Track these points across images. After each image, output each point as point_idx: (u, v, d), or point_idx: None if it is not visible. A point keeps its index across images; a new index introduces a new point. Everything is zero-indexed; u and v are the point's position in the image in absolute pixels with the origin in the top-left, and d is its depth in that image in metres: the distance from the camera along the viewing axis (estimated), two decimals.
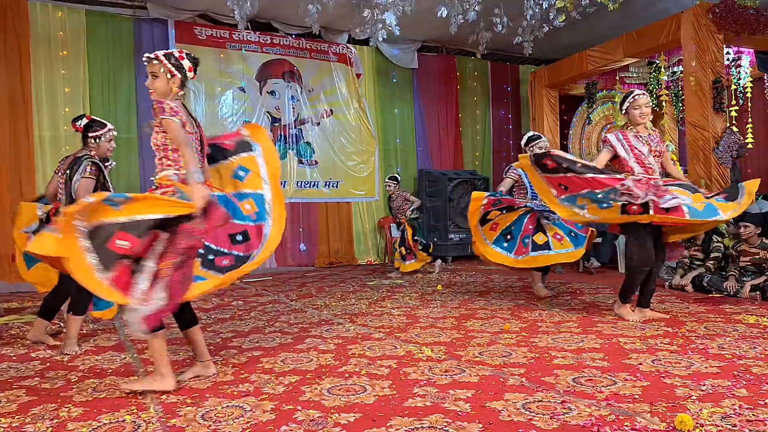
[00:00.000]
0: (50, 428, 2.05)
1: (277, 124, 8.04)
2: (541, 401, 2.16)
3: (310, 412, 2.12)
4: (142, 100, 7.15)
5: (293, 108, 8.14)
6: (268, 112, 8.00)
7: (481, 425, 1.94)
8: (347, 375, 2.62)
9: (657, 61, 7.98)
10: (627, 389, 2.26)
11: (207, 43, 7.55)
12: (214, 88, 7.62)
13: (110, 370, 2.86)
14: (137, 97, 7.14)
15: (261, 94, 7.95)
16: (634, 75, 8.47)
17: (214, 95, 7.63)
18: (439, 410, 2.09)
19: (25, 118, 6.52)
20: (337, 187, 8.40)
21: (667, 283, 5.01)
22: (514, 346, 3.06)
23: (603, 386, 2.31)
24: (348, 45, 8.42)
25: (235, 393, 2.42)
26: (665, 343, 2.99)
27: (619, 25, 7.54)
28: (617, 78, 8.62)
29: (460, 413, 2.06)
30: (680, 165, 8.16)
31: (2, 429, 2.05)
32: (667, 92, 8.29)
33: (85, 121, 3.59)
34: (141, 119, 7.16)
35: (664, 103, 7.96)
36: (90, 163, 3.39)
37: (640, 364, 2.62)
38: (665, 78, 8.07)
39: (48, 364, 3.03)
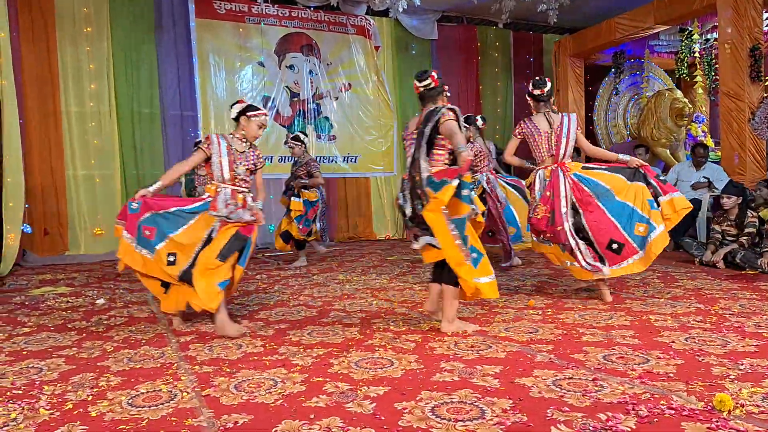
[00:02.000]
0: (90, 396, 2.13)
1: (295, 98, 8.00)
2: (571, 378, 2.16)
3: (339, 385, 2.16)
4: (163, 74, 7.17)
5: (311, 82, 8.08)
6: (286, 86, 7.96)
7: (511, 401, 1.95)
8: (374, 348, 2.65)
9: (689, 28, 7.70)
10: (660, 367, 2.25)
11: (226, 18, 7.50)
12: (233, 63, 7.59)
13: (143, 341, 2.94)
14: (159, 73, 7.15)
15: (280, 68, 7.90)
16: (665, 43, 8.20)
17: (233, 70, 7.60)
18: (468, 385, 2.11)
19: (53, 94, 6.60)
20: (355, 161, 8.38)
21: (698, 260, 4.92)
22: (540, 323, 3.06)
23: (635, 364, 2.30)
24: (366, 17, 8.28)
25: (268, 363, 2.47)
26: (698, 321, 2.96)
27: None
28: (647, 46, 8.36)
29: (489, 389, 2.07)
30: (711, 137, 7.98)
31: (46, 396, 2.13)
32: (700, 60, 8.03)
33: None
34: (163, 93, 7.18)
35: (698, 72, 7.71)
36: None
37: (673, 342, 2.59)
38: (697, 46, 7.79)
39: (84, 334, 3.12)
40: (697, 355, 2.37)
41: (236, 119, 3.28)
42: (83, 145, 6.79)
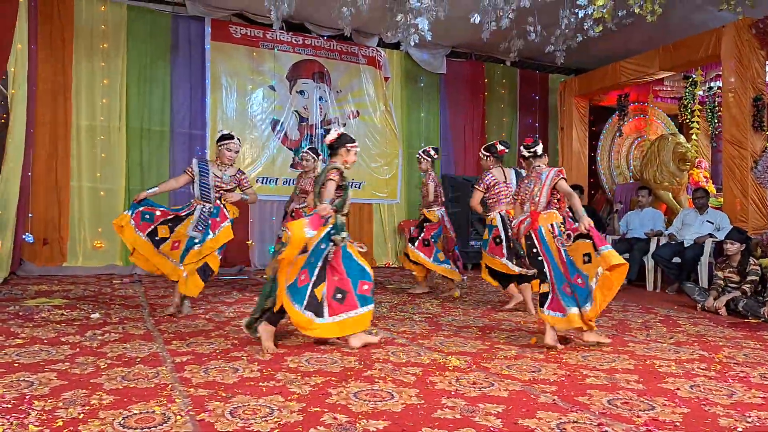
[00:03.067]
0: (82, 414, 2.07)
1: (304, 123, 8.07)
2: (576, 422, 2.11)
3: (337, 416, 2.11)
4: (176, 93, 7.26)
5: (321, 108, 8.16)
6: (296, 111, 8.04)
7: None
8: (373, 380, 2.60)
9: (693, 76, 7.83)
10: (666, 415, 2.20)
11: (241, 42, 7.62)
12: (245, 86, 7.68)
13: (138, 359, 2.89)
14: (171, 91, 7.23)
15: (290, 93, 7.99)
16: (669, 89, 8.33)
17: (245, 92, 7.69)
18: (470, 424, 2.06)
19: (65, 107, 6.65)
20: (359, 188, 8.40)
21: (700, 305, 4.88)
22: (542, 362, 3.01)
23: (641, 410, 2.25)
24: (378, 48, 8.43)
25: (264, 390, 2.42)
26: (702, 369, 2.91)
27: (654, 38, 7.41)
28: (650, 91, 8.49)
29: (492, 429, 2.02)
30: (713, 182, 8.03)
31: (36, 412, 2.08)
32: (701, 108, 8.14)
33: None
34: (174, 112, 7.25)
35: (697, 119, 7.81)
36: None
37: (678, 389, 2.55)
38: (701, 93, 7.91)
39: (78, 349, 3.06)
40: (703, 404, 2.33)
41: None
42: (90, 158, 6.81)
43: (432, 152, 5.50)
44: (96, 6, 6.82)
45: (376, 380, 2.59)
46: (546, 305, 3.30)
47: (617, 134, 8.75)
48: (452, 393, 2.42)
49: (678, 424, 2.10)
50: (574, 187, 7.16)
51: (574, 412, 2.21)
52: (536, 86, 9.71)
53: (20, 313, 4.02)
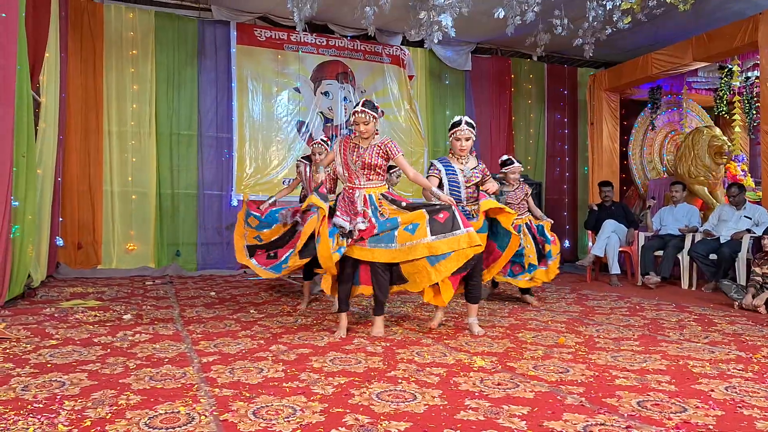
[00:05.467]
0: (109, 414, 2.11)
1: (329, 124, 8.11)
2: (603, 424, 2.04)
3: (359, 417, 2.10)
4: (203, 97, 7.38)
5: (345, 109, 8.19)
6: (321, 112, 8.09)
7: None
8: (397, 380, 2.58)
9: (730, 66, 7.56)
10: (699, 417, 2.11)
11: (266, 45, 7.71)
12: (270, 88, 7.77)
13: (166, 360, 2.94)
14: (198, 95, 7.37)
15: (315, 94, 8.04)
16: (703, 80, 8.06)
17: (270, 95, 7.77)
18: (494, 426, 2.02)
19: (96, 113, 6.85)
20: None
21: (737, 303, 4.70)
22: (570, 362, 2.94)
23: (672, 412, 2.17)
24: (401, 47, 8.40)
25: (288, 390, 2.43)
26: (738, 369, 2.79)
27: (686, 28, 7.19)
28: (684, 82, 8.22)
29: (516, 431, 1.98)
30: (751, 176, 7.73)
31: (66, 411, 2.13)
32: (739, 98, 7.85)
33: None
34: (201, 116, 7.38)
35: (738, 110, 7.53)
36: None
37: (712, 390, 2.45)
38: (737, 83, 7.63)
39: (109, 350, 3.14)
40: (739, 407, 2.23)
41: None
42: (122, 162, 6.99)
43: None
44: (125, 13, 7.01)
45: (400, 381, 2.58)
46: None
47: (650, 128, 8.51)
48: (476, 394, 2.39)
49: (711, 427, 2.02)
50: (604, 183, 7.04)
51: (602, 414, 2.14)
52: (564, 81, 9.53)
53: (55, 315, 4.15)
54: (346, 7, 7.00)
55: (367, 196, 3.54)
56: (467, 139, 3.73)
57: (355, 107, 3.54)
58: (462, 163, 3.79)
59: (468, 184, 3.78)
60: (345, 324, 3.64)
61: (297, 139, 7.88)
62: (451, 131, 3.77)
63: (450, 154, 3.85)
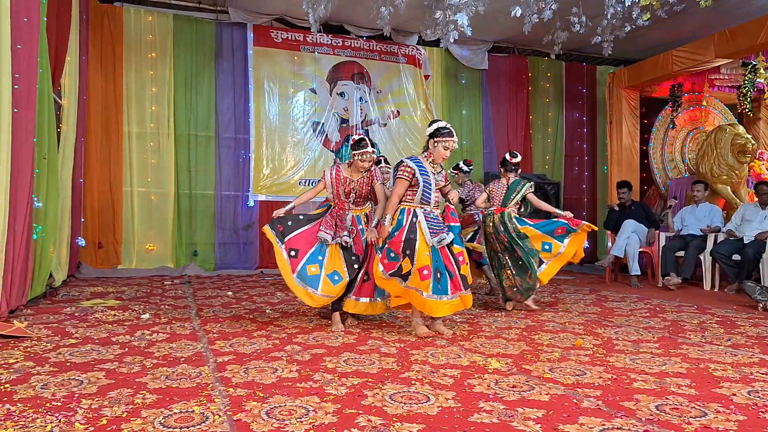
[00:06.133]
0: (125, 413, 2.14)
1: (345, 125, 8.12)
2: (620, 429, 2.00)
3: (372, 419, 2.09)
4: (220, 98, 7.45)
5: (361, 109, 8.19)
6: (336, 113, 8.10)
7: None
8: (410, 382, 2.57)
9: (754, 62, 7.38)
10: (720, 422, 2.06)
11: (282, 46, 7.75)
12: (287, 89, 7.81)
13: (182, 359, 2.96)
14: (216, 97, 7.44)
15: (331, 95, 8.06)
16: (726, 77, 7.88)
17: (287, 96, 7.81)
18: (508, 429, 2.00)
19: (116, 115, 6.96)
20: None
21: (761, 305, 4.59)
22: (587, 365, 2.89)
23: (691, 417, 2.12)
24: (417, 47, 8.38)
25: (301, 390, 2.43)
26: (762, 373, 2.72)
27: (708, 24, 7.04)
28: (706, 80, 8.05)
29: None
30: None
31: (83, 410, 2.16)
32: (765, 95, 7.66)
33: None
34: (219, 117, 7.45)
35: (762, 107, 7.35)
36: None
37: (734, 394, 2.39)
38: (762, 80, 7.44)
39: (126, 349, 3.18)
40: (762, 412, 2.17)
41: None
42: (141, 163, 7.09)
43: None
44: (144, 17, 7.11)
45: (413, 382, 2.56)
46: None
47: (670, 126, 8.35)
48: (490, 396, 2.36)
49: None
50: (620, 184, 6.93)
51: (619, 418, 2.10)
52: (583, 79, 9.41)
53: (76, 314, 4.22)
54: (361, 8, 7.00)
55: (355, 217, 3.97)
56: (452, 150, 3.69)
57: (364, 145, 3.83)
58: (433, 167, 3.72)
59: (437, 187, 3.76)
60: (338, 318, 3.88)
61: (313, 139, 7.90)
62: (440, 138, 3.61)
63: (424, 157, 3.71)
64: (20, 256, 3.95)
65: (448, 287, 3.55)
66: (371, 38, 8.18)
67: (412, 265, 3.52)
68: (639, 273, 6.32)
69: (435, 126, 3.67)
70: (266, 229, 3.85)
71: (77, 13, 5.83)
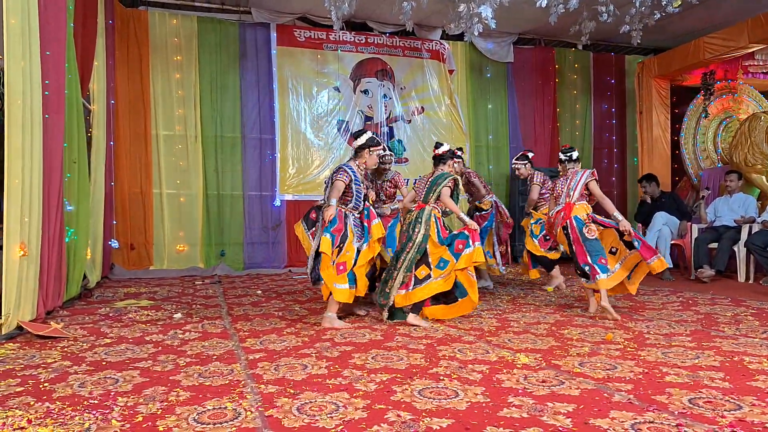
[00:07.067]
0: (160, 410, 2.19)
1: (369, 122, 8.13)
2: (652, 422, 1.97)
3: (401, 414, 2.10)
4: (245, 99, 7.54)
5: (385, 106, 8.19)
6: (360, 110, 8.12)
7: None
8: (439, 377, 2.57)
9: None
10: (755, 416, 2.01)
11: (305, 45, 7.80)
12: (311, 88, 7.86)
13: (214, 357, 3.02)
14: (241, 98, 7.53)
15: (354, 93, 8.08)
16: (761, 63, 7.62)
17: (310, 95, 7.86)
18: (537, 423, 1.98)
19: (144, 118, 7.11)
20: None
21: None
22: (618, 359, 2.85)
23: (725, 410, 2.07)
24: (441, 41, 8.32)
25: (331, 386, 2.46)
26: None
27: (741, 9, 6.81)
28: (740, 66, 7.80)
29: (560, 429, 1.93)
30: None
31: (119, 407, 2.22)
32: None
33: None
34: (245, 118, 7.54)
35: None
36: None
37: None
38: None
39: (160, 348, 3.26)
40: None
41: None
42: (170, 166, 7.23)
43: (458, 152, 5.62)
44: (168, 20, 7.23)
45: (442, 378, 2.56)
46: (590, 278, 3.99)
47: (702, 115, 8.12)
48: (519, 391, 2.35)
49: (767, 425, 1.92)
50: (649, 177, 6.77)
51: (651, 412, 2.07)
52: (611, 69, 9.22)
53: (110, 315, 4.34)
54: (384, 4, 6.99)
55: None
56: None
57: (381, 148, 4.13)
58: (362, 175, 4.06)
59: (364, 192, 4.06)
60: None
61: (338, 138, 7.94)
62: (375, 149, 4.01)
63: (357, 164, 3.99)
64: (54, 259, 4.06)
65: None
66: (394, 34, 8.16)
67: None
68: (671, 266, 6.17)
69: (367, 138, 4.03)
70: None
71: (103, 18, 5.95)
